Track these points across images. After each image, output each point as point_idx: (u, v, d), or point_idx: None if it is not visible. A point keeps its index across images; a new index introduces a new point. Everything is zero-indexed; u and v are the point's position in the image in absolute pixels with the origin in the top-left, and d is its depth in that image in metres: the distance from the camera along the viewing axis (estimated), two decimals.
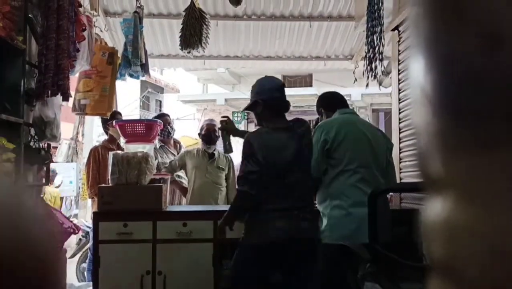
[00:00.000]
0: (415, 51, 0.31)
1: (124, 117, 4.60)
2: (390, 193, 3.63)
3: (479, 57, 0.27)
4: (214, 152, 4.26)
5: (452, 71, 0.28)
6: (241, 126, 14.98)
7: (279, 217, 2.49)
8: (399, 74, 3.96)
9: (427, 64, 0.30)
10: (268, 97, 2.61)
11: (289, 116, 2.73)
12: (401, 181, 3.79)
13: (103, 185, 3.38)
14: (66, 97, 3.12)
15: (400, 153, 3.88)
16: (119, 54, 4.44)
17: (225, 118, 3.16)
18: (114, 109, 4.48)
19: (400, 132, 3.92)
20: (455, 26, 0.28)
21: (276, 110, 2.63)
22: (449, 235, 0.30)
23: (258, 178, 2.48)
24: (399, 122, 3.94)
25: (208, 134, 4.23)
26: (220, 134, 3.29)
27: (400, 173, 3.83)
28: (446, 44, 0.29)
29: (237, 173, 4.56)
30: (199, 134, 4.34)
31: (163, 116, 4.54)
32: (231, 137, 3.16)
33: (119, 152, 3.32)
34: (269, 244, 2.47)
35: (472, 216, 0.29)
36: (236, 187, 2.59)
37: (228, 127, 3.13)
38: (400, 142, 3.90)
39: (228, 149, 3.19)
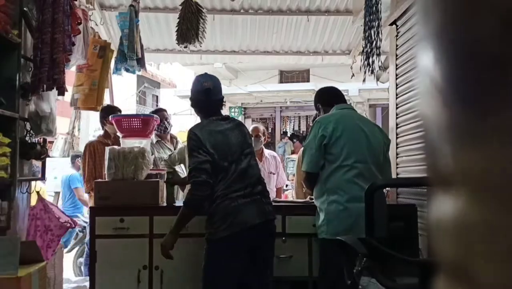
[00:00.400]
0: (424, 41, 0.29)
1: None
2: (387, 188, 3.63)
3: (497, 42, 0.26)
4: None
5: (466, 58, 0.27)
6: None
7: (247, 204, 2.53)
8: (396, 69, 3.94)
9: (438, 53, 0.28)
10: (194, 98, 2.80)
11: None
12: (398, 176, 3.79)
13: (99, 180, 3.37)
14: (61, 92, 3.10)
15: (397, 148, 3.88)
16: (115, 48, 4.41)
17: (171, 170, 3.38)
18: (108, 104, 4.45)
19: (397, 128, 3.91)
20: (470, 11, 0.27)
21: (205, 110, 2.75)
22: (461, 235, 0.28)
23: (211, 167, 2.50)
24: (396, 118, 3.93)
25: None
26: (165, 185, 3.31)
27: (397, 168, 3.83)
28: (459, 32, 0.27)
29: None
30: None
31: (160, 112, 4.52)
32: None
33: (115, 146, 3.30)
34: (244, 233, 2.49)
35: (487, 214, 0.27)
36: (190, 180, 2.55)
37: (175, 180, 3.30)
38: (397, 138, 3.90)
39: (171, 200, 3.21)
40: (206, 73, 2.92)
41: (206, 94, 2.74)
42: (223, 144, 2.59)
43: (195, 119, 14.12)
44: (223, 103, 2.84)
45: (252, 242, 2.55)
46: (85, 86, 4.08)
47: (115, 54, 4.38)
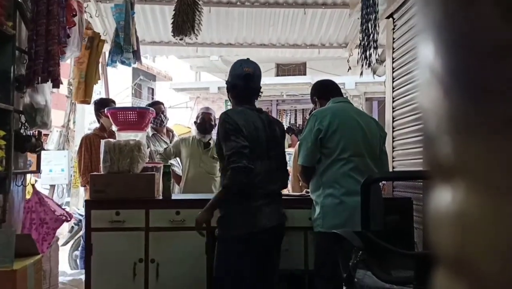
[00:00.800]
0: (424, 32, 0.29)
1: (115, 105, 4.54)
2: (383, 182, 3.64)
3: (498, 31, 0.25)
4: (210, 141, 4.24)
5: (467, 48, 0.27)
6: None
7: (266, 205, 2.47)
8: (393, 62, 3.94)
9: (438, 44, 0.28)
10: (232, 82, 2.64)
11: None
12: (394, 169, 3.80)
13: (95, 173, 3.36)
14: (56, 84, 3.08)
15: (393, 141, 3.89)
16: (109, 40, 4.38)
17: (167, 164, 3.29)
18: (101, 96, 4.43)
19: (393, 121, 3.92)
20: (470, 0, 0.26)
21: (241, 96, 2.62)
22: (461, 227, 0.28)
23: (250, 153, 2.37)
24: (393, 111, 3.93)
25: (203, 124, 4.21)
26: (162, 177, 3.28)
27: (393, 161, 3.84)
28: (460, 22, 0.27)
29: None
30: (195, 122, 4.32)
31: (157, 104, 4.51)
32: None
33: (111, 139, 3.29)
34: (261, 233, 2.44)
35: (487, 206, 0.27)
36: (229, 165, 2.38)
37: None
38: (393, 131, 3.90)
39: (167, 194, 3.19)
40: (248, 59, 2.79)
41: (245, 80, 2.59)
42: (254, 139, 2.46)
43: (191, 113, 14.10)
44: (260, 94, 2.70)
45: (266, 243, 2.51)
46: (76, 79, 4.09)
47: (108, 47, 4.35)
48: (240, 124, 2.43)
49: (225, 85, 2.72)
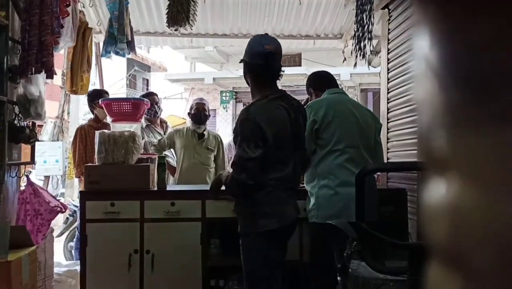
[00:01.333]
0: (419, 24, 0.29)
1: (110, 96, 4.52)
2: (378, 173, 3.65)
3: (496, 22, 0.25)
4: (204, 132, 4.23)
5: (461, 41, 0.27)
6: (229, 106, 14.94)
7: (289, 197, 2.41)
8: (388, 53, 3.94)
9: (433, 35, 0.28)
10: (251, 62, 2.39)
11: None
12: (389, 160, 3.82)
13: (89, 164, 3.35)
14: (50, 75, 3.05)
15: (388, 132, 3.90)
16: (104, 30, 4.35)
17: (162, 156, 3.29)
18: (94, 88, 4.39)
19: (388, 112, 3.93)
20: None
21: (262, 79, 2.40)
22: (454, 220, 0.28)
23: (258, 164, 2.24)
24: (388, 102, 3.94)
25: (197, 114, 4.20)
26: (157, 168, 3.27)
27: (387, 152, 3.86)
28: (454, 13, 0.27)
29: (227, 153, 4.57)
30: (189, 113, 4.31)
31: (151, 95, 4.49)
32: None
33: (105, 130, 3.28)
34: (288, 226, 2.39)
35: (481, 199, 0.27)
36: (231, 171, 2.32)
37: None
38: (388, 122, 3.91)
39: (162, 185, 3.21)
40: (267, 34, 2.55)
41: (266, 59, 2.32)
42: (280, 132, 2.32)
43: (186, 104, 14.06)
44: (281, 74, 2.46)
45: (288, 236, 2.46)
46: (65, 70, 4.09)
47: (102, 37, 4.32)
48: (263, 124, 2.24)
49: (245, 65, 2.43)
